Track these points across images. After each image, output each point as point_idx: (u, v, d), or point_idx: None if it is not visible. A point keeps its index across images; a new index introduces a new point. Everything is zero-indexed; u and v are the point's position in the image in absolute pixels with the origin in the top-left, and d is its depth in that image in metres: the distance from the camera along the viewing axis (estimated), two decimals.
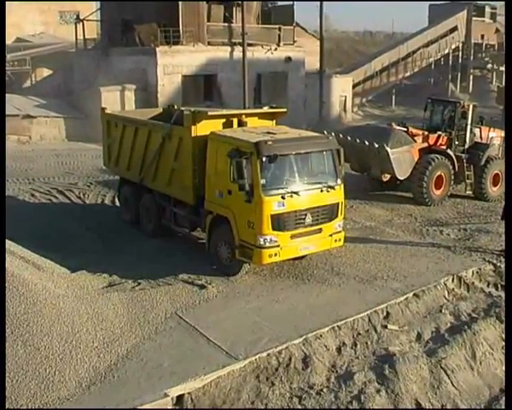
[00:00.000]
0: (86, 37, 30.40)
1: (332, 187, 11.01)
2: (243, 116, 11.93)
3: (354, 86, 37.56)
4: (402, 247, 12.98)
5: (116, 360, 8.45)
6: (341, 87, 34.95)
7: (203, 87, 28.58)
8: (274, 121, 12.55)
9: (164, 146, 12.51)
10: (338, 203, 11.14)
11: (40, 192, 16.86)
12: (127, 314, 9.66)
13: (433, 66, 43.49)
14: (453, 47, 44.38)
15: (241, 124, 11.82)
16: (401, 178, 16.22)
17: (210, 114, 11.67)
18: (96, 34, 33.54)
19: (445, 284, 11.10)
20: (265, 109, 13.01)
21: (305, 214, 10.69)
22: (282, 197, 10.40)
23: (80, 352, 8.47)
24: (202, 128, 11.44)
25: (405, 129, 16.76)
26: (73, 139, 26.32)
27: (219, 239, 11.21)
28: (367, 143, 15.95)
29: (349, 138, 16.23)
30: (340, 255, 12.23)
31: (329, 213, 11.01)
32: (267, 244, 10.38)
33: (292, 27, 31.41)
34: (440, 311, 10.42)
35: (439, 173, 16.21)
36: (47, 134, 26.04)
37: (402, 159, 15.88)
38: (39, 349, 8.31)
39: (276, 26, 30.60)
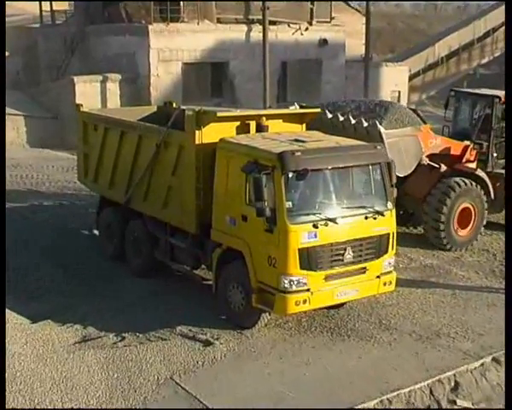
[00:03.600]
0: (54, 8, 30.97)
1: (380, 213, 11.09)
2: (263, 118, 12.10)
3: (411, 78, 37.76)
4: (475, 294, 12.99)
5: None
6: (394, 79, 35.16)
7: (210, 79, 29.01)
8: (304, 125, 12.73)
9: (159, 157, 12.73)
10: (388, 234, 11.21)
11: None
12: (106, 380, 9.74)
13: None
14: None
15: (260, 128, 12.00)
16: (400, 175, 14.26)
17: (219, 115, 11.85)
18: (67, 5, 34.10)
19: None
20: (292, 109, 13.21)
21: (345, 249, 10.76)
22: (314, 226, 10.49)
23: None
24: (209, 133, 11.64)
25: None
26: (38, 145, 26.75)
27: (230, 280, 11.32)
28: (353, 120, 14.91)
29: (328, 115, 15.21)
30: (391, 304, 12.25)
31: (377, 247, 11.08)
32: (294, 288, 10.45)
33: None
34: None
35: (464, 205, 15.34)
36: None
37: (403, 146, 14.70)
38: None
39: None
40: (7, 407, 8.83)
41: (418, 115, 15.68)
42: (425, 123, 15.52)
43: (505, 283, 10.38)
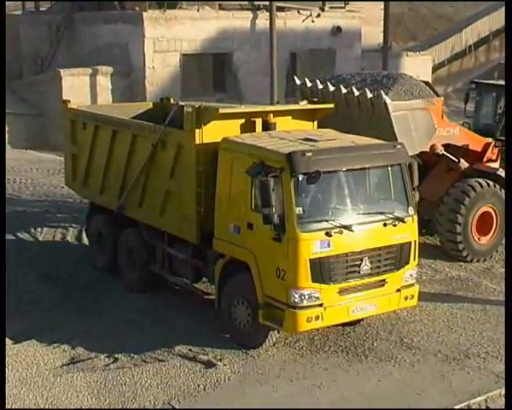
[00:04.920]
0: None
1: (401, 219, 11.13)
2: (270, 115, 12.16)
3: (435, 69, 37.76)
4: None
5: None
6: (415, 70, 35.02)
7: (212, 72, 29.07)
8: (315, 123, 12.77)
9: (155, 158, 12.80)
10: (410, 243, 11.24)
11: None
12: (97, 406, 9.75)
13: None
14: None
15: (267, 126, 12.06)
16: (410, 153, 14.53)
17: (222, 111, 11.91)
18: None
19: None
20: (303, 105, 13.24)
21: (361, 259, 10.80)
22: (327, 234, 10.53)
23: None
24: (211, 132, 11.70)
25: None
26: (20, 146, 26.81)
27: (235, 295, 11.35)
28: (356, 91, 14.69)
29: (330, 87, 15.07)
30: (413, 320, 12.26)
31: (397, 257, 11.11)
32: (305, 303, 10.49)
33: None
34: None
35: (484, 209, 15.27)
36: None
37: (412, 120, 14.47)
38: None
39: None
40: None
41: (431, 88, 15.41)
42: (438, 96, 15.28)
43: (505, 283, 10.15)
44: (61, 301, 13.23)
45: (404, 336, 11.78)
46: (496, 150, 15.79)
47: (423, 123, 14.62)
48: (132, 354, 11.07)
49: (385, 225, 10.99)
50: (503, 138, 15.65)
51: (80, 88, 26.68)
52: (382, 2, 33.84)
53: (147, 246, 13.27)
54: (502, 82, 17.69)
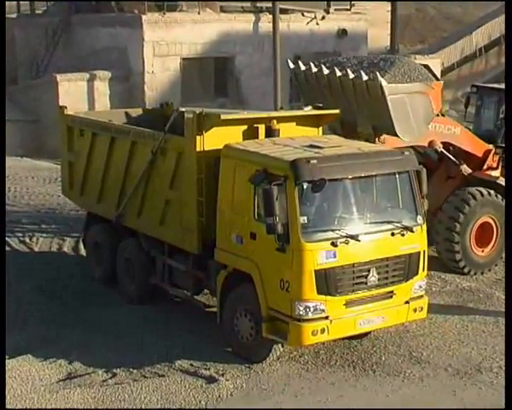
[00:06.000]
0: None
1: (409, 228, 11.13)
2: (274, 121, 12.17)
3: (444, 72, 37.79)
4: None
5: None
6: None
7: (213, 77, 29.11)
8: (320, 129, 12.79)
9: (154, 166, 12.82)
10: (418, 253, 11.23)
11: None
12: None
13: None
14: None
15: (270, 133, 12.07)
16: (406, 140, 14.25)
17: (224, 117, 11.94)
18: None
19: None
20: (307, 110, 13.25)
21: (368, 270, 10.79)
22: (333, 244, 10.53)
23: None
24: (212, 139, 11.72)
25: None
26: (15, 153, 26.84)
27: (237, 307, 11.35)
28: (351, 74, 14.30)
29: (325, 70, 14.72)
30: (423, 333, 12.23)
31: (405, 268, 11.10)
32: (310, 315, 10.48)
33: None
34: None
35: (484, 219, 15.18)
36: None
37: (409, 104, 14.18)
38: None
39: None
40: None
41: (430, 71, 15.12)
42: (438, 80, 15.05)
43: (505, 285, 10.17)
44: (58, 314, 13.21)
45: (413, 349, 11.75)
46: (496, 158, 15.66)
47: (421, 107, 14.37)
48: (131, 369, 11.05)
49: (393, 234, 10.99)
50: (502, 145, 15.59)
51: (77, 93, 26.73)
52: (389, 4, 33.90)
53: (146, 257, 13.27)
54: (504, 85, 17.77)
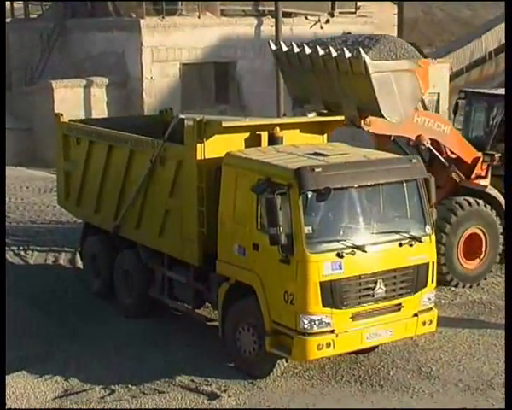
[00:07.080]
0: None
1: (417, 239, 11.12)
2: (277, 128, 12.20)
3: (453, 77, 37.77)
4: None
5: None
6: (431, 79, 34.87)
7: (214, 82, 29.12)
8: (325, 136, 12.80)
9: (153, 175, 12.83)
10: (427, 264, 11.23)
11: None
12: None
13: None
14: None
15: (273, 140, 12.10)
16: (392, 121, 14.06)
17: (225, 124, 11.95)
18: None
19: None
20: (311, 117, 13.27)
21: (375, 282, 10.78)
22: (339, 255, 10.53)
23: None
24: (213, 147, 11.74)
25: None
26: (9, 162, 26.79)
27: (240, 321, 11.33)
28: (334, 52, 13.93)
29: (307, 50, 14.39)
30: (432, 348, 12.21)
31: (414, 279, 11.09)
32: (315, 329, 10.46)
33: None
34: None
35: (472, 230, 15.02)
36: None
37: (395, 82, 13.87)
38: None
39: None
40: None
41: (418, 49, 14.98)
42: (425, 57, 14.87)
43: (505, 288, 10.16)
44: (54, 329, 13.21)
45: (423, 364, 11.72)
46: (485, 166, 15.50)
47: (408, 86, 14.12)
48: (130, 386, 11.03)
49: (400, 245, 10.98)
50: (493, 153, 15.46)
51: (73, 100, 26.75)
52: (395, 7, 33.92)
53: (145, 269, 13.27)
54: (494, 91, 17.59)
